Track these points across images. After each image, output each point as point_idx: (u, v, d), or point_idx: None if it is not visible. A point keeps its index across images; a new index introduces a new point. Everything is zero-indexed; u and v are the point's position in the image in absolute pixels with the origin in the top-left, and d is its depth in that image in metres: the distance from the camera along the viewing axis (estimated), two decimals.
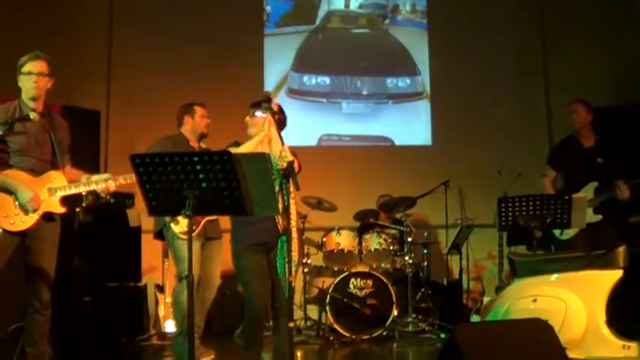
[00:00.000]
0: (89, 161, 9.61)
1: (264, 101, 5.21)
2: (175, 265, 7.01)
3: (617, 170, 7.49)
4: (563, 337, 5.07)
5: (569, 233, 7.41)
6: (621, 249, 5.83)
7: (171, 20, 10.89)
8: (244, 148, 5.40)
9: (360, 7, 11.29)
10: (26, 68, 5.70)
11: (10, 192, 5.53)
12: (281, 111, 5.56)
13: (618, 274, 5.76)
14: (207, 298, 7.18)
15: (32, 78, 5.70)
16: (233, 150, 5.17)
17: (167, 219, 6.86)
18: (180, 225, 6.83)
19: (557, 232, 7.44)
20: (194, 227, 6.80)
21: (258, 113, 5.52)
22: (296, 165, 5.17)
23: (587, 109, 7.76)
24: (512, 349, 4.74)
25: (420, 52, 11.17)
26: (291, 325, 4.87)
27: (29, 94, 5.72)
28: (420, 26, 11.27)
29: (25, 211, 5.55)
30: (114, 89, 10.76)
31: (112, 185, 5.85)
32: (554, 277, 5.99)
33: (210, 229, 6.92)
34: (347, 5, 11.25)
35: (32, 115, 5.59)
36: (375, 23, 11.30)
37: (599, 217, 7.37)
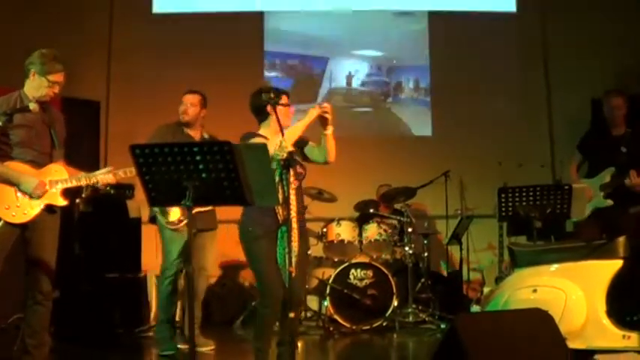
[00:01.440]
0: (89, 152, 9.65)
1: (264, 92, 5.19)
2: (162, 255, 7.06)
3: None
4: (563, 328, 5.07)
5: (580, 216, 7.42)
6: (621, 239, 5.82)
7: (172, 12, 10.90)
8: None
9: (363, 84, 11.23)
10: (54, 77, 5.66)
11: (11, 184, 5.53)
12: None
13: (618, 264, 5.75)
14: (200, 288, 7.23)
15: (56, 89, 5.70)
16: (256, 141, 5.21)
17: (155, 209, 6.90)
18: (168, 215, 6.86)
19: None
20: (182, 219, 6.83)
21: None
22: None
23: (626, 102, 7.74)
24: (512, 340, 4.74)
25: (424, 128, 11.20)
26: (292, 315, 4.88)
27: (41, 97, 5.70)
28: (424, 104, 11.22)
29: (31, 199, 5.55)
30: (114, 80, 10.76)
31: (112, 179, 5.85)
32: (554, 267, 5.99)
33: (201, 221, 6.94)
34: (349, 83, 11.20)
35: (32, 106, 5.57)
36: (378, 102, 11.24)
37: (609, 202, 7.36)
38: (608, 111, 7.71)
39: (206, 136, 7.14)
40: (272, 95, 5.19)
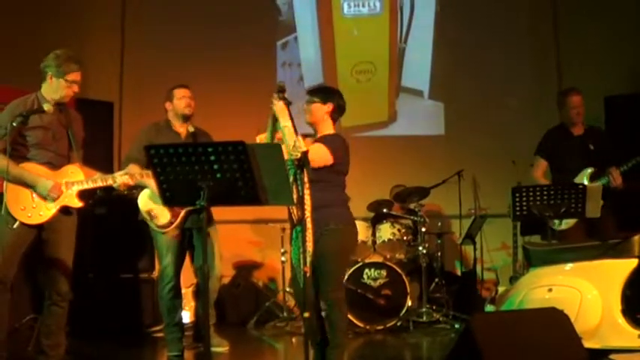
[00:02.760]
0: (103, 153, 9.66)
1: (278, 91, 5.18)
2: (158, 261, 7.03)
3: (609, 156, 7.52)
4: (579, 327, 5.07)
5: (568, 223, 7.39)
6: (637, 237, 5.81)
7: (184, 12, 10.90)
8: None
9: None
10: (72, 77, 5.71)
11: (28, 185, 5.55)
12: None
13: (634, 262, 5.75)
14: (213, 288, 7.19)
15: (75, 88, 5.73)
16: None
17: (144, 214, 6.84)
18: (157, 219, 6.81)
19: (556, 222, 7.41)
20: (173, 220, 6.78)
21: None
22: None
23: (583, 100, 7.74)
24: (528, 339, 4.73)
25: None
26: (307, 315, 4.87)
27: (61, 99, 5.73)
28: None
29: (46, 201, 5.56)
30: (127, 81, 10.77)
31: (128, 181, 5.87)
32: (569, 266, 5.99)
33: (191, 220, 6.88)
34: None
35: (46, 107, 5.60)
36: None
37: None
38: (571, 109, 7.70)
39: (191, 129, 7.11)
40: (285, 96, 5.18)
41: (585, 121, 7.90)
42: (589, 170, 7.46)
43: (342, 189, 5.64)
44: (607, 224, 7.27)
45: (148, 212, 6.78)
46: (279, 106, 5.23)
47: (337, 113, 5.73)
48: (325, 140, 5.49)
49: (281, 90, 5.14)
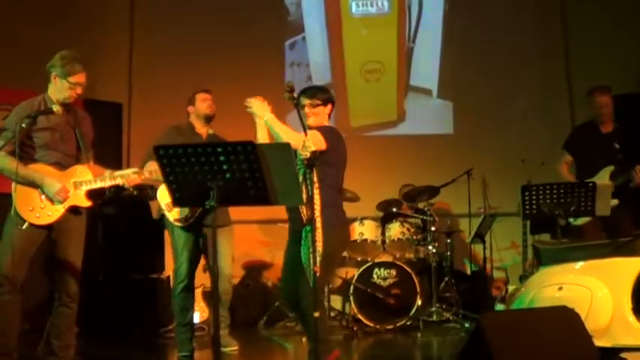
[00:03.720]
0: (112, 154, 9.69)
1: (287, 91, 5.16)
2: (173, 257, 7.03)
3: (635, 156, 7.48)
4: (589, 325, 5.04)
5: (584, 219, 7.38)
6: None
7: (193, 13, 10.92)
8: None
9: None
10: (74, 79, 5.69)
11: (36, 186, 5.56)
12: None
13: None
14: (221, 289, 7.17)
15: (77, 90, 5.73)
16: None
17: (162, 205, 6.88)
18: (173, 212, 6.84)
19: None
20: (189, 216, 6.80)
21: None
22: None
23: (612, 98, 7.74)
24: (538, 338, 4.72)
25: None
26: (317, 315, 4.86)
27: (64, 99, 5.73)
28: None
29: (52, 202, 5.57)
30: (135, 82, 10.80)
31: (137, 179, 5.86)
32: (579, 264, 5.96)
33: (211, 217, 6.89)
34: None
35: (55, 109, 5.61)
36: None
37: (615, 201, 7.32)
38: (596, 109, 7.70)
39: (211, 132, 7.18)
40: (294, 96, 5.16)
41: (587, 120, 7.91)
42: (611, 168, 7.45)
43: (334, 189, 5.52)
44: (624, 220, 7.27)
45: (168, 205, 6.81)
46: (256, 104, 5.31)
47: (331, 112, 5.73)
48: (319, 129, 5.47)
49: (290, 90, 5.12)
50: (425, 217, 9.08)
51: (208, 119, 7.17)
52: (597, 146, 7.67)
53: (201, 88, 7.32)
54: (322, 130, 5.47)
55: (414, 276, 8.56)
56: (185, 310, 6.96)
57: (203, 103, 7.18)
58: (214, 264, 4.35)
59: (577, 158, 7.87)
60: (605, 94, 7.71)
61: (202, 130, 7.18)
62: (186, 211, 6.77)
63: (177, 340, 7.00)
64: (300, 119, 5.08)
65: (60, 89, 5.70)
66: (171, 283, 7.13)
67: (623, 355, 5.45)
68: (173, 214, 6.83)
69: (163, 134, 7.10)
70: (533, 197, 6.77)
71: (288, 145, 4.58)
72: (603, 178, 7.39)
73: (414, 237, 9.00)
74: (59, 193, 5.58)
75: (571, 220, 7.38)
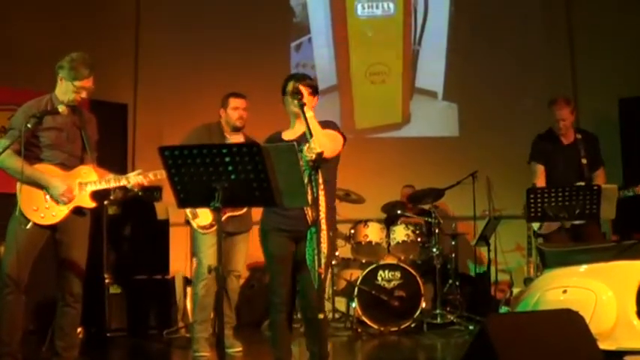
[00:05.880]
0: (117, 154, 9.70)
1: (293, 93, 5.11)
2: (196, 260, 7.08)
3: (597, 162, 7.54)
4: (594, 329, 5.04)
5: (550, 227, 7.32)
6: None
7: (199, 14, 10.93)
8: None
9: None
10: (80, 84, 5.67)
11: (40, 186, 5.56)
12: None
13: None
14: (233, 290, 7.26)
15: (83, 94, 5.72)
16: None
17: (187, 213, 6.90)
18: (199, 219, 6.87)
19: (535, 225, 7.37)
20: (213, 223, 6.81)
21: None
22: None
23: (572, 110, 7.64)
24: (543, 341, 4.71)
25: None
26: (321, 316, 4.86)
27: (69, 101, 5.72)
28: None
29: (57, 203, 5.57)
30: (141, 82, 10.81)
31: (142, 181, 5.86)
32: (583, 267, 5.96)
33: (235, 224, 6.96)
34: None
35: (61, 109, 5.60)
36: None
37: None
38: (555, 121, 7.60)
39: (242, 139, 7.09)
40: (298, 97, 5.08)
41: (595, 124, 7.85)
42: (581, 184, 7.34)
43: (335, 191, 5.48)
44: (593, 230, 7.25)
45: (192, 212, 6.83)
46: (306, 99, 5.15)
47: None
48: (327, 125, 5.32)
49: (296, 92, 5.09)
50: (430, 220, 9.08)
51: (236, 130, 7.09)
52: (562, 159, 7.57)
53: (234, 91, 7.20)
54: (329, 125, 5.29)
55: (418, 278, 8.56)
56: (204, 309, 7.04)
57: (234, 113, 7.04)
58: (219, 264, 4.33)
59: (545, 168, 7.76)
60: (564, 105, 7.59)
61: (230, 135, 7.09)
62: (209, 218, 6.79)
63: (194, 339, 7.05)
64: (306, 122, 4.97)
65: (65, 91, 5.69)
66: (192, 282, 7.28)
67: (626, 358, 5.45)
68: (198, 222, 6.86)
69: (193, 132, 7.02)
70: (539, 200, 6.76)
71: (293, 146, 4.55)
72: None
73: (419, 239, 8.99)
74: (64, 194, 5.57)
75: (535, 227, 7.36)
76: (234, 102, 7.09)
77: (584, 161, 7.47)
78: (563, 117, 7.52)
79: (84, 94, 5.73)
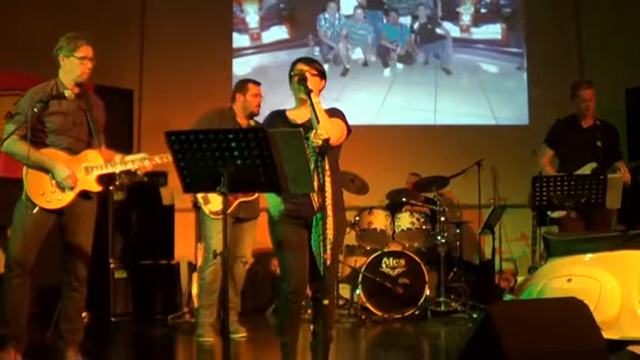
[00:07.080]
0: (123, 140, 9.70)
1: (300, 79, 5.10)
2: (204, 244, 7.11)
3: (616, 153, 7.54)
4: (598, 317, 5.03)
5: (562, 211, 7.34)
6: None
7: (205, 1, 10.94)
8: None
9: None
10: (81, 53, 5.65)
11: (46, 170, 5.56)
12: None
13: None
14: (239, 275, 7.29)
15: (87, 64, 5.70)
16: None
17: (199, 198, 6.93)
18: (211, 205, 6.89)
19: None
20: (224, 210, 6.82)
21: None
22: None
23: (594, 93, 7.68)
24: (547, 328, 4.71)
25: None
26: (326, 302, 4.86)
27: (77, 77, 5.71)
28: None
29: (62, 189, 5.57)
30: (147, 68, 10.80)
31: (147, 164, 5.85)
32: (588, 256, 5.96)
33: (242, 211, 7.00)
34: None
35: (67, 93, 5.59)
36: None
37: None
38: (579, 103, 7.62)
39: (252, 123, 7.15)
40: (304, 84, 5.05)
41: (602, 114, 7.85)
42: (593, 164, 7.39)
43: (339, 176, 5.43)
44: (604, 215, 7.26)
45: (204, 197, 6.85)
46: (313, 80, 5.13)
47: None
48: (334, 113, 5.25)
49: (302, 79, 5.08)
50: (435, 208, 9.08)
51: (252, 116, 7.14)
52: (579, 141, 7.59)
53: (251, 79, 7.29)
54: (336, 113, 5.24)
55: (422, 266, 8.57)
56: (210, 294, 7.08)
57: (254, 99, 7.11)
58: (224, 250, 4.34)
59: (560, 152, 7.78)
60: (590, 88, 7.64)
61: (243, 121, 7.14)
62: (220, 204, 6.81)
63: (199, 323, 7.11)
64: (313, 108, 4.96)
65: (70, 69, 5.68)
66: (199, 267, 7.42)
67: (630, 347, 5.45)
68: (210, 207, 6.89)
69: (203, 118, 7.06)
70: (544, 188, 6.76)
71: (299, 131, 4.55)
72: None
73: (424, 227, 9.00)
74: (67, 179, 5.57)
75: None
76: (254, 89, 7.15)
77: (599, 144, 7.47)
78: (589, 97, 7.57)
79: (89, 65, 5.70)
